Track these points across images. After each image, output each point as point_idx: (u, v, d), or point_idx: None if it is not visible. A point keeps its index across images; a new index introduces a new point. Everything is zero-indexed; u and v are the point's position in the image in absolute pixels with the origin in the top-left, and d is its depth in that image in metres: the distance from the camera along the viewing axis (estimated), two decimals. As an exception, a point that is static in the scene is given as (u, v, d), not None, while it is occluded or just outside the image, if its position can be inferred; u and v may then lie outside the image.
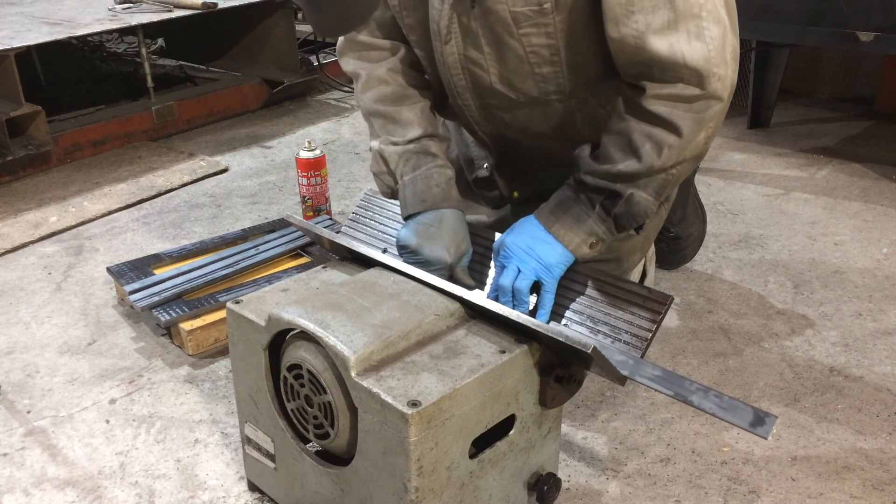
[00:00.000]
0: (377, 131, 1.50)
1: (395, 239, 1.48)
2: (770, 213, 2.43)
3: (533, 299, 1.32)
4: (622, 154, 1.28)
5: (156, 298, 1.83)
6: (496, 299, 1.29)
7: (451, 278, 1.35)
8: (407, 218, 1.42)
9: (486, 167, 1.65)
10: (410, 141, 1.45)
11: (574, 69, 1.35)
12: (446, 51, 1.38)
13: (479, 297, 1.17)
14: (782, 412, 1.57)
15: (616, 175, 1.28)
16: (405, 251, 1.39)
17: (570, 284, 1.33)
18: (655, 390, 1.16)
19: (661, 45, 1.21)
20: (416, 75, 1.52)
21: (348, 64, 1.55)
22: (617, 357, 1.20)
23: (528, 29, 1.29)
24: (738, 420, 1.08)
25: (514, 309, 1.22)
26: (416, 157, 1.44)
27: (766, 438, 1.07)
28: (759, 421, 1.07)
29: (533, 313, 1.31)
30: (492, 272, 1.42)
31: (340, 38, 1.55)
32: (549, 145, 1.51)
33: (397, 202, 1.52)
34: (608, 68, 1.33)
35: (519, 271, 1.31)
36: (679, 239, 2.00)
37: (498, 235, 1.40)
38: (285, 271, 1.99)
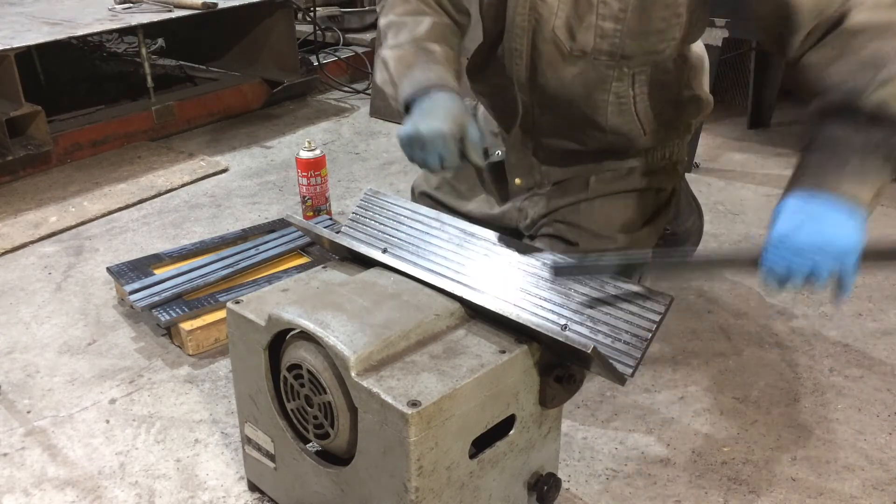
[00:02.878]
0: (389, 41, 1.47)
1: (394, 238, 1.47)
2: (770, 213, 2.42)
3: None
4: (866, 72, 1.06)
5: (156, 298, 1.83)
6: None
7: (464, 156, 1.32)
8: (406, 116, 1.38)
9: (499, 153, 1.65)
10: (413, 43, 1.43)
11: (633, 34, 1.37)
12: None
13: (478, 297, 1.17)
14: (782, 412, 1.57)
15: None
16: (406, 146, 1.32)
17: (570, 284, 1.33)
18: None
19: None
20: (453, 31, 1.52)
21: (385, 17, 1.53)
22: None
23: None
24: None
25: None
26: (417, 54, 1.41)
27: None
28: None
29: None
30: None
31: None
32: (571, 125, 1.54)
33: (402, 201, 1.52)
34: (663, 51, 1.39)
35: (812, 274, 1.03)
36: (675, 235, 2.00)
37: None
38: (285, 271, 1.99)
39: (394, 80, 1.42)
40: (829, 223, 1.02)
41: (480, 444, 1.11)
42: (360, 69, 3.90)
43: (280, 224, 2.24)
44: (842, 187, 1.03)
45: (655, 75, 1.46)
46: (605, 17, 1.36)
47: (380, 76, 1.48)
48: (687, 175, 1.80)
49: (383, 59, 1.46)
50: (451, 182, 1.76)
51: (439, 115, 1.32)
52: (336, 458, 1.17)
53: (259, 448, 1.30)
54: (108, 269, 2.01)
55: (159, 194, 2.68)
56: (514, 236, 1.64)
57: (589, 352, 1.02)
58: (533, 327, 1.09)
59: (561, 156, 1.60)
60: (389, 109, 3.39)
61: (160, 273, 1.95)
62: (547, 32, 1.42)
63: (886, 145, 1.04)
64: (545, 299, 1.27)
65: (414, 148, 1.32)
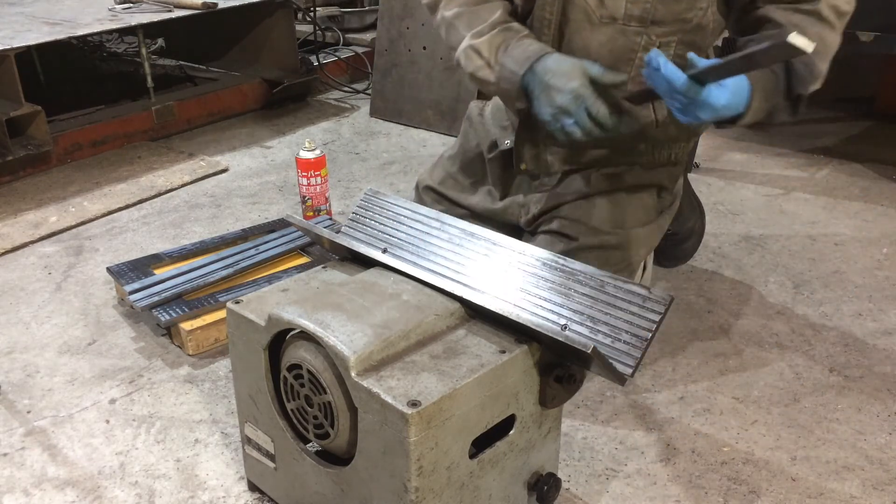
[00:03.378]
0: (462, 32, 1.53)
1: (394, 238, 1.47)
2: (770, 213, 2.43)
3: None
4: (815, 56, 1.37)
5: (156, 298, 1.83)
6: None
7: (602, 90, 1.38)
8: (526, 95, 1.45)
9: (508, 143, 1.66)
10: (494, 26, 1.49)
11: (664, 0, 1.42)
12: None
13: (478, 297, 1.17)
14: (782, 412, 1.57)
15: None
16: (554, 123, 1.41)
17: (570, 284, 1.33)
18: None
19: None
20: (513, 11, 1.57)
21: (449, 9, 1.58)
22: None
23: None
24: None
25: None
26: (503, 34, 1.48)
27: None
28: None
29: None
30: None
31: None
32: None
33: (402, 201, 1.52)
34: (690, 20, 1.44)
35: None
36: (677, 234, 2.00)
37: None
38: (285, 271, 1.99)
39: (490, 63, 1.48)
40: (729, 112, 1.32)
41: (480, 444, 1.11)
42: (360, 69, 3.90)
43: (280, 224, 2.24)
44: (758, 105, 1.33)
45: (679, 53, 1.47)
46: None
47: (472, 64, 1.51)
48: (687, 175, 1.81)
49: (472, 47, 1.50)
50: (455, 176, 1.77)
51: (562, 79, 1.39)
52: (336, 458, 1.17)
53: (259, 448, 1.30)
54: (108, 269, 2.01)
55: (159, 194, 2.68)
56: (515, 232, 1.64)
57: (589, 352, 1.02)
58: (533, 327, 1.09)
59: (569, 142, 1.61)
60: (389, 109, 3.39)
61: (160, 273, 1.95)
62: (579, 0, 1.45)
63: (793, 107, 1.40)
64: (545, 299, 1.28)
65: (562, 120, 1.40)
